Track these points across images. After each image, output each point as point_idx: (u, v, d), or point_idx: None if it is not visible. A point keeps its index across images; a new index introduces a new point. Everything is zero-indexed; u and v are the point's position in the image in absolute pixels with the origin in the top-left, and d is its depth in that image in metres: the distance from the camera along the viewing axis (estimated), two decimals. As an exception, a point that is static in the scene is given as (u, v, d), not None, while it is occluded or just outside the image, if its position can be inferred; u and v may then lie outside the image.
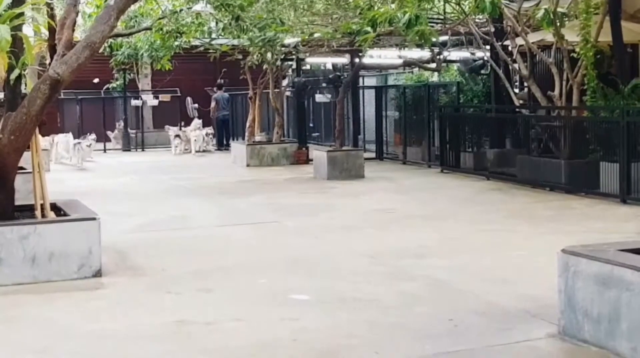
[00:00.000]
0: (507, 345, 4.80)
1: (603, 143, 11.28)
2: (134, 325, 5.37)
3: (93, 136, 19.66)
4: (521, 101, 14.25)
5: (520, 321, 5.29)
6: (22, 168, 7.98)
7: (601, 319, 4.58)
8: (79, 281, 6.51)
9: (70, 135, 19.43)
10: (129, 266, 7.25)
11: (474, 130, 14.84)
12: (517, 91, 15.12)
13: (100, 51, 7.34)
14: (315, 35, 16.09)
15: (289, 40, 16.39)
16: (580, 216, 9.69)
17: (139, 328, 5.30)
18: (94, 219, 6.75)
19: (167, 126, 22.90)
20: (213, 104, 22.72)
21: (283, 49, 16.82)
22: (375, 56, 19.78)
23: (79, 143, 18.62)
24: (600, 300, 4.59)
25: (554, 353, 4.70)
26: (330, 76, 19.87)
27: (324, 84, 20.28)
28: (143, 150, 23.07)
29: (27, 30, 8.45)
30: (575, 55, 11.88)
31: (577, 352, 4.64)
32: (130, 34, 15.59)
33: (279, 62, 18.42)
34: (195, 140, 21.41)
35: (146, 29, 14.44)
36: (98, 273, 6.65)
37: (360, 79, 21.27)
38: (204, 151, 21.55)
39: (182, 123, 23.15)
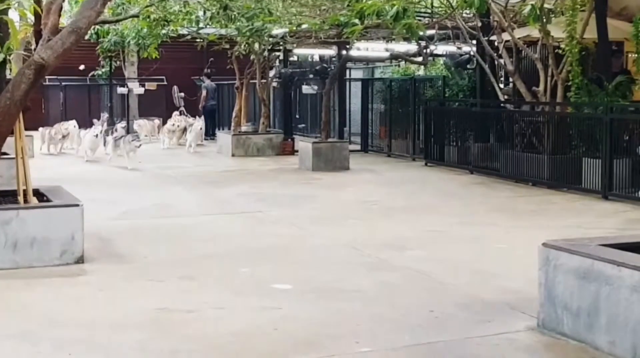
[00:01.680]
0: (486, 337, 4.84)
1: (586, 139, 11.35)
2: (115, 312, 5.36)
3: (122, 124, 18.77)
4: (506, 96, 14.31)
5: (500, 313, 5.33)
6: (5, 153, 7.94)
7: (580, 313, 4.62)
8: (61, 268, 6.49)
9: (96, 125, 17.55)
10: (112, 253, 7.24)
11: (459, 124, 14.88)
12: (502, 86, 15.17)
13: (87, 37, 7.35)
14: (303, 26, 16.05)
15: (277, 30, 16.34)
16: (561, 211, 9.76)
17: (120, 315, 5.29)
18: (76, 205, 6.73)
19: (142, 121, 21.79)
20: (204, 93, 22.60)
21: (271, 39, 16.78)
22: (362, 49, 19.77)
23: (121, 137, 16.15)
24: (580, 293, 4.63)
25: (532, 345, 4.73)
26: (317, 68, 19.87)
27: (310, 76, 20.27)
28: (128, 138, 22.93)
29: (13, 15, 8.37)
30: (560, 51, 11.94)
31: (555, 345, 4.68)
32: (117, 21, 15.49)
33: (266, 53, 18.38)
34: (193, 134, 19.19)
35: (133, 16, 14.35)
36: (80, 260, 6.63)
37: (347, 72, 21.27)
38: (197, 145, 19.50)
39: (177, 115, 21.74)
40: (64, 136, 18.20)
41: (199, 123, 20.08)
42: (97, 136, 16.45)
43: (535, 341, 4.78)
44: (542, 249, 4.93)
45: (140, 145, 15.38)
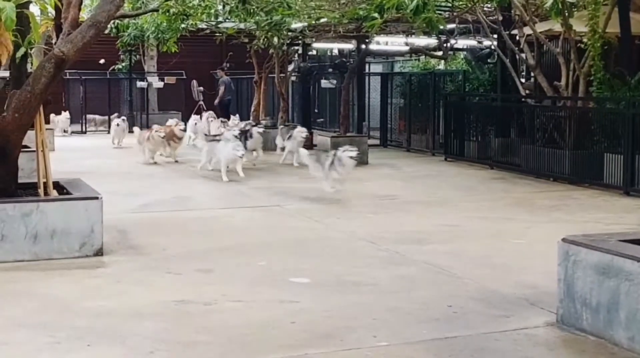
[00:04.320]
0: (505, 332, 4.81)
1: (608, 134, 11.26)
2: (132, 303, 5.38)
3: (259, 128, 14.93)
4: (527, 91, 14.21)
5: (519, 308, 5.29)
6: (26, 147, 7.99)
7: (600, 308, 4.59)
8: (80, 260, 6.53)
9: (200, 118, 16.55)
10: (131, 246, 7.27)
11: (479, 119, 14.81)
12: (523, 80, 15.07)
13: (107, 31, 7.38)
14: (322, 20, 16.03)
15: (296, 24, 16.34)
16: (582, 207, 9.68)
17: (137, 306, 5.32)
18: (96, 198, 6.77)
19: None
20: (221, 88, 22.61)
21: (289, 33, 16.77)
22: (381, 43, 19.73)
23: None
24: (599, 289, 4.59)
25: (551, 341, 4.70)
26: (336, 62, 19.87)
27: (329, 70, 20.27)
28: (148, 132, 23.03)
29: (34, 8, 8.42)
30: (582, 46, 11.83)
31: (575, 340, 4.64)
32: (137, 15, 15.55)
33: (285, 47, 18.38)
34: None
35: (153, 10, 14.38)
36: (99, 252, 6.67)
37: (366, 66, 21.22)
38: None
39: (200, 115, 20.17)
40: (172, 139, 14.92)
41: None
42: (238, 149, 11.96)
43: (554, 337, 4.75)
44: (561, 244, 4.89)
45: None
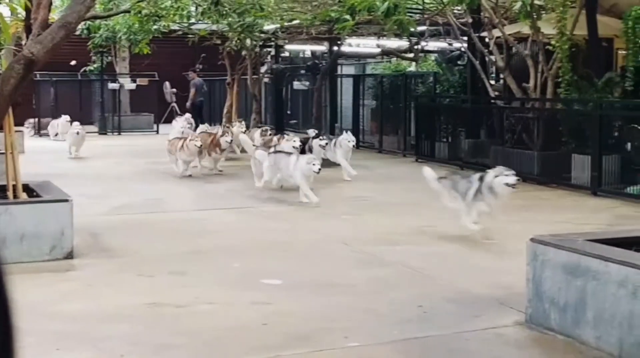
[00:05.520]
0: (475, 331, 4.87)
1: (576, 135, 11.40)
2: (105, 307, 5.37)
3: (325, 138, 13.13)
4: (496, 93, 14.36)
5: (489, 308, 5.35)
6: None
7: (567, 308, 4.65)
8: (51, 263, 6.49)
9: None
10: (102, 248, 7.24)
11: (450, 120, 14.93)
12: (493, 82, 15.21)
13: (78, 33, 7.34)
14: (294, 22, 16.06)
15: (268, 26, 16.35)
16: (551, 207, 9.80)
17: (109, 309, 5.30)
18: (66, 201, 6.73)
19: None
20: (192, 90, 22.55)
21: (262, 35, 16.77)
22: (353, 45, 19.80)
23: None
24: (567, 289, 4.66)
25: (520, 340, 4.76)
26: (309, 64, 19.90)
27: (302, 72, 20.29)
28: (120, 134, 22.91)
29: (3, 9, 8.35)
30: (550, 48, 11.98)
31: (543, 340, 4.71)
32: (109, 16, 15.47)
33: (257, 49, 18.38)
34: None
35: (124, 11, 14.33)
36: (70, 255, 6.64)
37: (339, 68, 21.28)
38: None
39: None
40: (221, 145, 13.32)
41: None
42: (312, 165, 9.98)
43: (523, 336, 4.81)
44: (530, 244, 4.96)
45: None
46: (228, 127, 15.99)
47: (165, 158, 14.11)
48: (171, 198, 10.56)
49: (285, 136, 13.15)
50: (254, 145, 12.30)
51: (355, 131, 18.53)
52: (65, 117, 19.44)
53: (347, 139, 12.55)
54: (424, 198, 10.63)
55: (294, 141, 12.03)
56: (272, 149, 11.36)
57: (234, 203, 10.20)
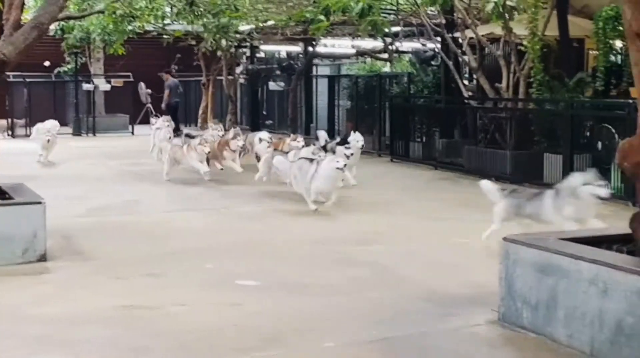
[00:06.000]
0: (448, 330, 4.91)
1: (547, 134, 11.52)
2: (79, 309, 5.34)
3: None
4: (470, 93, 14.47)
5: (463, 307, 5.40)
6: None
7: (539, 306, 4.71)
8: (23, 266, 6.43)
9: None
10: (75, 251, 7.19)
11: (424, 120, 15.01)
12: (466, 82, 15.33)
13: (52, 33, 7.29)
14: (269, 22, 16.09)
15: (243, 27, 16.36)
16: (524, 206, 9.87)
17: (84, 312, 5.27)
18: (39, 203, 6.68)
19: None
20: (166, 91, 22.45)
21: (237, 35, 16.78)
22: (328, 45, 19.86)
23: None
24: (539, 287, 4.71)
25: (492, 339, 4.81)
26: (284, 64, 19.93)
27: (277, 72, 20.31)
28: (94, 135, 22.75)
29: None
30: (522, 48, 12.10)
31: (515, 338, 4.76)
32: (82, 16, 15.38)
33: (233, 49, 18.38)
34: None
35: (99, 12, 14.27)
36: (43, 258, 6.59)
37: (314, 68, 21.33)
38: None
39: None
40: (243, 148, 12.75)
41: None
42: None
43: (495, 334, 4.86)
44: (502, 243, 5.02)
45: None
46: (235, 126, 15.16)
47: (142, 159, 14.00)
48: (147, 200, 10.52)
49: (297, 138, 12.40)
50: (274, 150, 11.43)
51: (331, 132, 18.61)
52: (53, 122, 18.63)
53: (355, 139, 11.60)
54: (399, 198, 10.71)
55: (298, 141, 11.43)
56: (291, 155, 10.48)
57: (208, 204, 10.19)
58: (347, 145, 11.08)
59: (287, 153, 10.97)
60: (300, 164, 9.56)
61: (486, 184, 7.62)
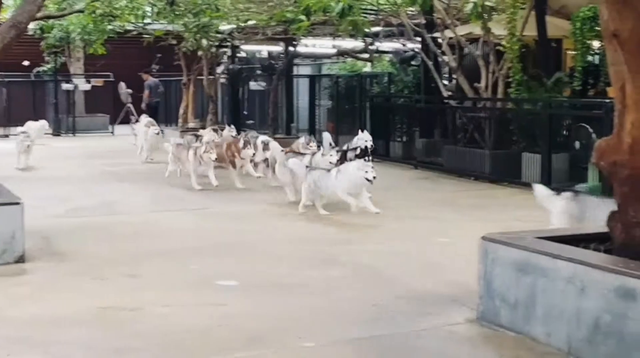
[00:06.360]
0: (427, 329, 4.94)
1: (526, 134, 11.60)
2: (57, 311, 5.31)
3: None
4: (449, 93, 14.53)
5: (442, 306, 5.43)
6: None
7: (518, 305, 4.74)
8: (1, 267, 6.39)
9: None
10: (54, 252, 7.15)
11: (404, 120, 15.07)
12: (446, 82, 15.39)
13: (31, 33, 7.25)
14: (250, 22, 16.07)
15: (224, 26, 16.32)
16: (502, 205, 9.95)
17: (62, 313, 5.25)
18: (17, 203, 6.64)
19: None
20: (146, 91, 22.35)
21: (218, 35, 16.74)
22: (309, 45, 19.86)
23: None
24: (517, 286, 4.75)
25: (471, 337, 4.85)
26: (265, 64, 19.90)
27: (258, 72, 20.28)
28: (74, 135, 22.62)
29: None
30: (501, 48, 12.17)
31: (494, 336, 4.80)
32: (62, 16, 15.30)
33: (213, 49, 18.33)
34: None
35: (78, 11, 14.20)
36: (21, 259, 6.54)
37: (295, 68, 21.33)
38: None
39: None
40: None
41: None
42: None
43: (474, 333, 4.90)
44: (481, 242, 5.05)
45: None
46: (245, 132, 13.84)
47: (123, 159, 13.88)
48: (128, 200, 10.47)
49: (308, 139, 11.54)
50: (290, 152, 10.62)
51: (312, 131, 18.62)
52: (43, 122, 18.16)
53: (363, 138, 10.91)
54: (379, 197, 10.70)
55: (331, 155, 10.06)
56: (306, 160, 9.86)
57: (189, 204, 10.16)
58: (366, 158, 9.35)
59: (299, 154, 10.44)
60: (318, 176, 9.00)
61: (539, 188, 6.99)
